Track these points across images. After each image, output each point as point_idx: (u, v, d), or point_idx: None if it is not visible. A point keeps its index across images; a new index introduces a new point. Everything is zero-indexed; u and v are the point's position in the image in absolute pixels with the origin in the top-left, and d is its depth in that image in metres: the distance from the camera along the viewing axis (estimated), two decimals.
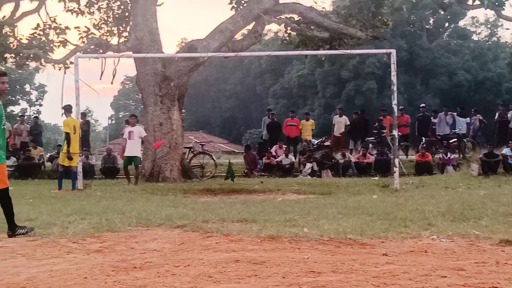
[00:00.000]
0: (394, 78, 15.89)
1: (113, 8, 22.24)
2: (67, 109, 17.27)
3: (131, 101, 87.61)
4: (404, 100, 50.85)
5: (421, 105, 29.27)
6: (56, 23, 22.27)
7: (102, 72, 19.83)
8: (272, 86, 65.68)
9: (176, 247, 7.39)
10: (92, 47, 20.50)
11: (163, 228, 8.94)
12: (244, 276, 5.74)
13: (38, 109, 59.94)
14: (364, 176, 20.91)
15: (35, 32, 22.11)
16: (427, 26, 63.75)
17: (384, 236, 7.90)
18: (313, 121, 27.86)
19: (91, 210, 10.96)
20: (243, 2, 22.43)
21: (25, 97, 59.50)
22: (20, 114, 32.81)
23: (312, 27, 22.21)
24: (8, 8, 22.23)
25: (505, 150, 21.00)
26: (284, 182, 19.11)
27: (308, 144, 25.13)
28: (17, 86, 57.20)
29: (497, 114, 26.52)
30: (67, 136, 16.87)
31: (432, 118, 26.55)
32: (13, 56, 22.29)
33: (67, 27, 22.24)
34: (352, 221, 9.08)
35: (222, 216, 9.87)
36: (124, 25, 22.12)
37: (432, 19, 64.11)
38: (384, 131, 24.76)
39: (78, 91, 17.46)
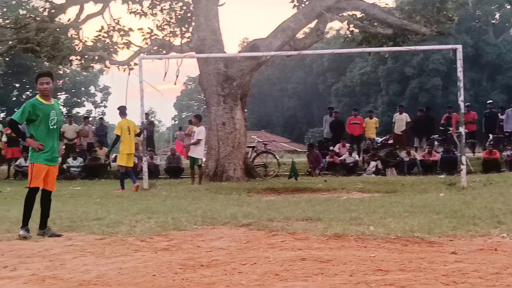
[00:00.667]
0: (460, 74, 15.56)
1: (175, 9, 22.44)
2: (121, 111, 17.52)
3: (193, 101, 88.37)
4: (470, 96, 49.81)
5: (488, 102, 28.68)
6: (120, 25, 22.65)
7: (165, 73, 19.98)
8: (334, 85, 65.31)
9: (242, 245, 7.41)
10: (156, 48, 20.74)
11: (229, 226, 8.98)
12: (311, 274, 5.72)
13: (102, 111, 61.09)
14: (430, 174, 20.57)
15: (100, 35, 22.52)
16: (493, 21, 62.31)
17: (452, 234, 7.76)
18: (377, 119, 27.57)
19: (157, 209, 11.10)
20: (305, 0, 22.35)
21: (90, 99, 60.60)
22: (85, 115, 33.43)
23: (375, 24, 21.96)
24: (73, 11, 22.70)
25: None
26: (348, 180, 18.96)
27: (372, 142, 24.93)
28: (82, 88, 58.31)
29: None
30: (117, 139, 17.20)
31: (499, 114, 25.96)
32: (79, 58, 22.75)
33: (130, 29, 22.61)
34: (419, 219, 8.95)
35: (286, 215, 9.86)
36: (186, 25, 22.30)
37: (498, 14, 62.67)
38: (450, 128, 24.33)
39: (142, 92, 17.68)
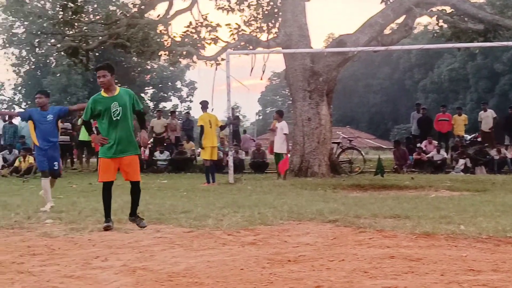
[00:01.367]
0: None
1: (262, 4, 22.53)
2: (203, 105, 17.64)
3: (278, 96, 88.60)
4: None
5: None
6: (208, 21, 22.89)
7: (252, 68, 20.12)
8: (422, 81, 64.19)
9: (329, 241, 7.36)
10: (243, 43, 20.86)
11: (315, 222, 8.93)
12: (401, 273, 5.62)
13: (188, 105, 61.77)
14: None
15: (188, 30, 22.82)
16: None
17: None
18: (466, 116, 26.91)
19: (243, 204, 11.15)
20: None
21: (176, 94, 61.39)
22: (171, 110, 33.97)
23: (465, 19, 21.46)
24: (162, 7, 23.07)
25: None
26: (436, 178, 18.62)
27: (461, 139, 24.37)
28: (169, 83, 59.17)
29: None
30: (202, 129, 17.24)
31: None
32: (167, 53, 23.13)
33: (218, 25, 22.83)
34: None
35: (374, 212, 9.74)
36: (273, 21, 22.36)
37: None
38: None
39: (229, 87, 17.84)
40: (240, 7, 22.84)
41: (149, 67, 55.20)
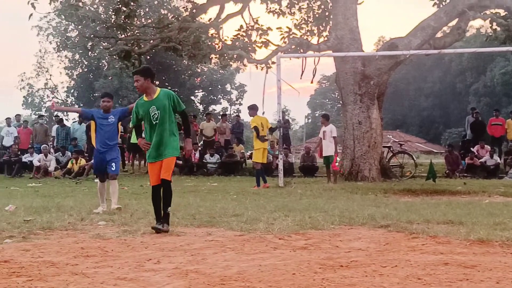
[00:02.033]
0: None
1: (313, 8, 22.48)
2: (254, 108, 17.61)
3: (327, 100, 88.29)
4: None
5: None
6: (259, 24, 22.93)
7: (302, 72, 20.10)
8: (473, 84, 63.25)
9: (381, 247, 7.28)
10: (293, 47, 20.83)
11: (367, 227, 8.86)
12: (455, 280, 5.52)
13: (238, 108, 61.92)
14: None
15: (239, 34, 22.90)
16: None
17: None
18: None
19: (293, 207, 11.12)
20: None
21: (226, 97, 61.63)
22: (222, 113, 34.10)
23: None
24: (213, 11, 23.20)
25: None
26: (489, 183, 18.30)
27: None
28: (219, 86, 59.42)
29: None
30: (257, 129, 17.21)
31: None
32: (218, 57, 23.25)
33: (269, 28, 22.84)
34: None
35: (426, 217, 9.61)
36: (324, 24, 22.29)
37: None
38: None
39: (280, 90, 17.84)
40: (291, 10, 22.84)
41: (199, 70, 55.55)
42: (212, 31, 23.02)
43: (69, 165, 22.86)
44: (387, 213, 10.11)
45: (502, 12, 21.48)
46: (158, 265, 6.30)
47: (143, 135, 8.84)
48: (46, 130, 26.56)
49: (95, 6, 48.43)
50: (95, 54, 51.23)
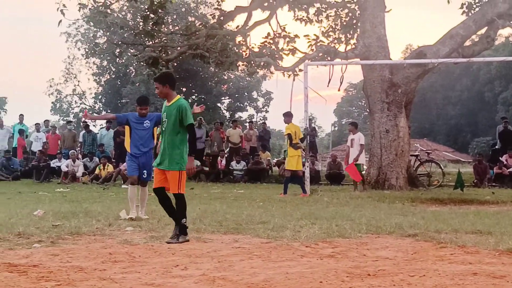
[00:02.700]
0: None
1: (341, 16, 22.39)
2: (290, 116, 17.59)
3: (354, 107, 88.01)
4: None
5: None
6: (286, 32, 22.90)
7: (329, 79, 20.05)
8: (502, 93, 62.64)
9: (408, 256, 7.23)
10: (321, 54, 20.80)
11: (394, 236, 8.81)
12: None
13: (264, 115, 61.90)
14: None
15: (266, 41, 22.90)
16: None
17: None
18: None
19: (320, 215, 11.10)
20: (474, 6, 21.63)
21: (252, 104, 61.65)
22: (249, 120, 34.10)
23: None
24: (241, 18, 23.24)
25: None
26: None
27: None
28: (245, 93, 59.44)
29: None
30: (290, 137, 17.20)
31: None
32: (245, 64, 23.28)
33: (296, 36, 22.80)
34: None
35: (454, 227, 9.54)
36: (351, 32, 22.19)
37: None
38: None
39: (307, 98, 17.84)
40: (319, 18, 22.76)
41: (226, 77, 55.69)
42: (239, 38, 23.04)
43: (97, 171, 23.03)
44: (414, 222, 10.05)
45: None
46: (185, 271, 6.32)
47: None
48: (74, 136, 26.80)
49: (123, 13, 48.84)
50: (123, 60, 51.66)
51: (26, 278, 5.91)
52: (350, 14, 22.18)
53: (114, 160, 23.98)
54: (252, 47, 22.69)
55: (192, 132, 8.54)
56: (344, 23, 22.36)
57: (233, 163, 24.62)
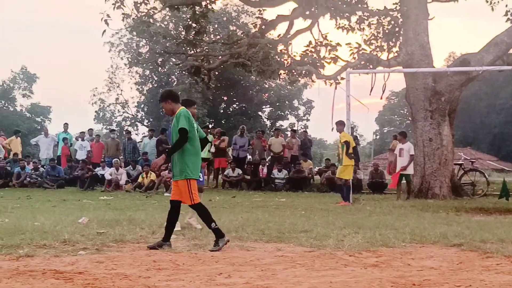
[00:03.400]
0: None
1: (383, 23, 22.26)
2: (343, 124, 17.50)
3: (396, 116, 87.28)
4: None
5: None
6: (328, 40, 22.88)
7: (371, 88, 19.93)
8: None
9: (454, 266, 7.16)
10: (363, 62, 20.71)
11: (439, 246, 8.72)
12: None
13: (305, 124, 61.83)
14: None
15: (308, 49, 22.89)
16: None
17: None
18: None
19: (363, 224, 11.03)
20: None
21: (293, 112, 61.61)
22: (291, 129, 34.07)
23: None
24: (282, 27, 23.28)
25: None
26: None
27: None
28: (286, 102, 59.42)
29: None
30: (348, 146, 17.13)
31: None
32: (286, 72, 23.31)
33: (338, 44, 22.75)
34: None
35: (500, 236, 9.40)
36: (394, 40, 22.03)
37: None
38: None
39: (349, 106, 17.77)
40: (361, 26, 22.64)
41: (267, 85, 55.77)
42: (281, 47, 23.11)
43: (140, 179, 23.21)
44: (459, 232, 9.92)
45: None
46: (229, 279, 6.33)
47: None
48: (118, 144, 27.07)
49: (166, 22, 49.30)
50: (165, 69, 52.10)
51: (72, 285, 5.99)
52: (392, 22, 22.02)
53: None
54: (294, 56, 22.74)
55: (182, 137, 8.43)
56: (387, 31, 22.21)
57: (275, 171, 24.61)
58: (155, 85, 55.66)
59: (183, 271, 6.73)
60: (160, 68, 50.84)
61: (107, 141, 27.70)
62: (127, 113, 59.00)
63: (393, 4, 21.64)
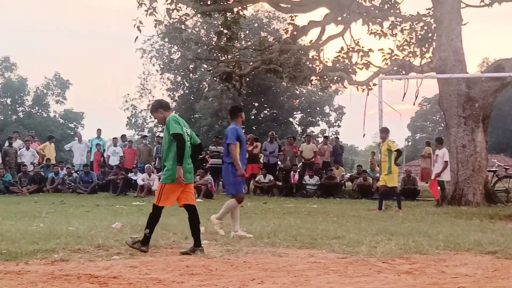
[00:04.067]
0: None
1: (416, 29, 22.16)
2: (387, 132, 17.36)
3: (428, 122, 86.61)
4: None
5: None
6: (359, 46, 22.82)
7: (404, 94, 19.81)
8: None
9: (489, 273, 7.08)
10: (395, 68, 20.59)
11: (473, 253, 8.63)
12: None
13: (336, 130, 61.57)
14: None
15: (339, 55, 22.85)
16: None
17: None
18: None
19: (396, 231, 10.95)
20: None
21: (324, 118, 61.35)
22: (323, 135, 34.00)
23: None
24: (314, 33, 23.26)
25: None
26: None
27: None
28: (317, 108, 59.17)
29: None
30: (399, 153, 17.03)
31: None
32: (318, 78, 23.27)
33: (370, 50, 22.70)
34: None
35: None
36: (427, 45, 21.90)
37: None
38: None
39: (382, 112, 17.69)
40: (393, 31, 22.57)
41: (298, 92, 55.67)
42: (312, 53, 23.07)
43: None
44: (494, 239, 9.82)
45: None
46: (262, 285, 6.34)
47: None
48: (150, 150, 27.21)
49: (197, 29, 49.49)
50: (196, 76, 52.23)
51: None
52: (425, 28, 21.91)
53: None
54: (326, 62, 22.69)
55: (178, 142, 8.47)
56: (419, 37, 22.10)
57: (306, 177, 24.59)
58: (187, 91, 55.87)
59: (216, 277, 6.75)
60: (191, 74, 50.90)
61: (140, 147, 27.86)
62: None
63: (426, 9, 21.52)
